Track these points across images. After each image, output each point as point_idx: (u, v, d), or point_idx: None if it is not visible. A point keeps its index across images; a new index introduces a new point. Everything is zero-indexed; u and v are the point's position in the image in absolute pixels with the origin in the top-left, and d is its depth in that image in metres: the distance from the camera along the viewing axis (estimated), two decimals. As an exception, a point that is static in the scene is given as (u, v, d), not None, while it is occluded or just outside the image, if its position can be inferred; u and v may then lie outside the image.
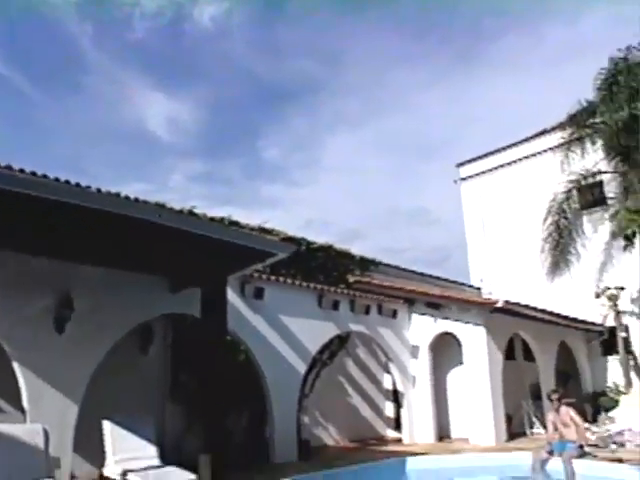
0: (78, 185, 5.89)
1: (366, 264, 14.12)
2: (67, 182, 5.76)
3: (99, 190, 6.33)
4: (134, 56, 34.13)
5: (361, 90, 42.53)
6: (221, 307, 7.70)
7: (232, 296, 9.08)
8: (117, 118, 38.29)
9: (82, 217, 5.61)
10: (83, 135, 37.37)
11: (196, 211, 10.65)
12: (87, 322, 7.22)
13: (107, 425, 6.87)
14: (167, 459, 7.07)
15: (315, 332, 10.77)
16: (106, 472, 6.64)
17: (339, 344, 12.53)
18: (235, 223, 11.23)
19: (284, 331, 10.17)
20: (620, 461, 8.58)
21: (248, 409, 10.63)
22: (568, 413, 9.42)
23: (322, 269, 12.62)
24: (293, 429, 10.09)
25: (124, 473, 6.21)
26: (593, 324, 16.84)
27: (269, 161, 49.11)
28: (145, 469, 6.49)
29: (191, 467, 6.49)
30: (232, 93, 41.48)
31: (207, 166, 49.85)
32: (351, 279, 12.91)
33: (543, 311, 13.34)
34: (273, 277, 10.32)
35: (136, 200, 7.16)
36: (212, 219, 10.56)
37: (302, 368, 10.44)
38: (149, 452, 6.97)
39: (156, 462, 6.87)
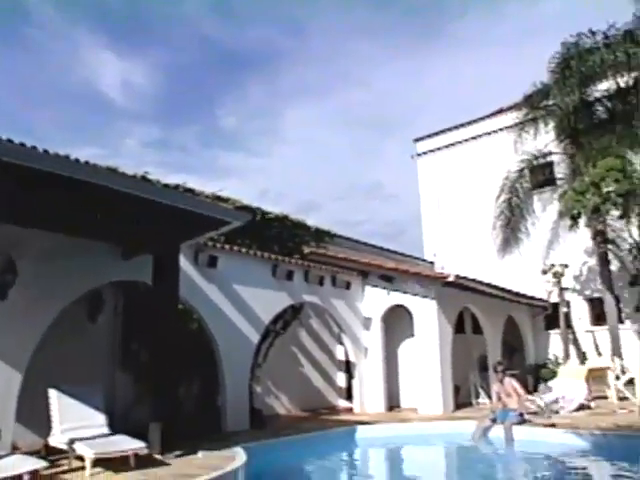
0: (23, 145, 5.58)
1: (321, 236, 14.13)
2: (10, 141, 5.45)
3: (46, 151, 6.03)
4: (84, 12, 32.55)
5: (322, 61, 42.16)
6: (173, 275, 7.59)
7: (185, 264, 8.94)
8: (66, 77, 36.72)
9: (27, 179, 5.36)
10: (29, 93, 35.64)
11: (150, 177, 10.34)
12: (32, 288, 6.97)
13: (53, 394, 6.70)
14: (117, 428, 6.98)
15: (269, 302, 10.76)
16: (52, 442, 6.51)
17: (292, 314, 12.57)
18: (190, 190, 10.99)
19: (237, 300, 10.11)
20: (553, 426, 9.04)
21: (200, 378, 10.59)
22: (511, 384, 9.85)
23: (277, 239, 12.56)
24: (245, 398, 10.12)
25: (71, 442, 6.09)
26: (538, 300, 17.48)
27: (226, 129, 48.25)
28: (93, 438, 6.39)
29: (141, 436, 6.43)
30: (189, 58, 40.38)
31: (162, 132, 48.59)
32: (306, 250, 12.90)
33: (492, 286, 13.73)
34: (227, 246, 10.19)
35: (86, 163, 6.87)
36: (166, 186, 10.29)
37: (255, 338, 10.43)
38: (97, 421, 6.85)
39: (105, 431, 6.77)
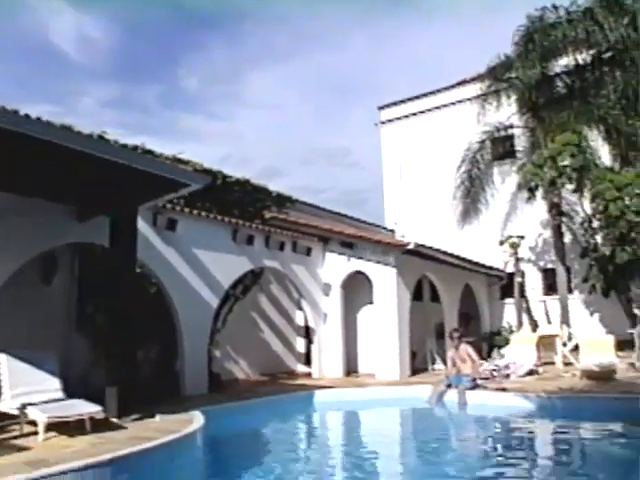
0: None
1: (283, 201, 14.02)
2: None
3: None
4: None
5: (288, 24, 41.24)
6: (131, 237, 7.41)
7: (143, 227, 8.74)
8: (17, 28, 34.73)
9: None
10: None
11: (107, 137, 9.96)
12: (-19, 248, 6.68)
13: (3, 358, 6.49)
14: (73, 392, 6.84)
15: (229, 266, 10.67)
16: (2, 407, 6.33)
17: (253, 279, 12.54)
18: (149, 152, 10.66)
19: (197, 264, 9.98)
20: (504, 390, 9.38)
21: (159, 342, 10.49)
22: (466, 350, 10.13)
23: (238, 204, 12.39)
24: (204, 362, 10.10)
25: (23, 407, 5.94)
26: (495, 269, 17.92)
27: (188, 91, 46.93)
28: (47, 402, 6.25)
29: (98, 400, 6.33)
30: (151, 15, 38.78)
31: (121, 91, 46.91)
32: (267, 215, 12.80)
33: (451, 255, 13.97)
34: (187, 209, 10.01)
35: (37, 120, 6.54)
36: (124, 146, 9.95)
37: (214, 302, 10.36)
38: (51, 385, 6.69)
39: (59, 395, 6.63)
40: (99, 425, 5.99)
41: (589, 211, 17.16)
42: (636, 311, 16.65)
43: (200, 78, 48.55)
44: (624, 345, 12.96)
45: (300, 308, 14.03)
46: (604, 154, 16.94)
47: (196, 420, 6.40)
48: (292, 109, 50.37)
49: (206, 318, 10.23)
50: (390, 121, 23.59)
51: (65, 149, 5.47)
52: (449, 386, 9.60)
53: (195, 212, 10.17)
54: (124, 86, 47.03)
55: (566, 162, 15.38)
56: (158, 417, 6.71)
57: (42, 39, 36.92)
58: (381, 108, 24.07)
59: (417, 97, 23.04)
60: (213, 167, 12.28)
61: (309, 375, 12.98)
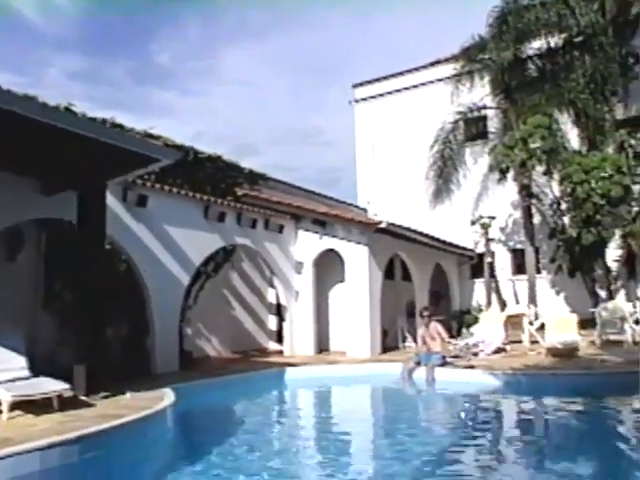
0: None
1: (255, 178, 13.88)
2: None
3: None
4: None
5: (264, 0, 40.30)
6: (100, 213, 7.26)
7: (113, 202, 8.58)
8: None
9: None
10: None
11: (74, 109, 9.64)
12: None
13: (-35, 335, 6.35)
14: (40, 370, 6.72)
15: (200, 243, 10.57)
16: (-35, 385, 6.19)
17: (224, 257, 12.46)
18: (118, 126, 10.37)
19: (168, 241, 9.86)
20: (472, 368, 9.58)
21: (129, 319, 10.37)
22: (436, 328, 10.28)
23: (210, 180, 12.21)
24: (175, 340, 10.05)
25: (-13, 385, 5.82)
26: (466, 249, 18.15)
27: (160, 66, 45.76)
28: (12, 380, 6.14)
29: (66, 378, 6.24)
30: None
31: (90, 63, 45.44)
32: (239, 192, 12.66)
33: (423, 235, 14.09)
34: (158, 185, 9.83)
35: (-1, 88, 6.30)
36: (92, 119, 9.67)
37: (185, 279, 10.28)
38: (17, 363, 6.56)
39: (25, 373, 6.51)
40: (67, 403, 5.91)
41: (558, 193, 17.48)
42: (598, 291, 17.16)
43: (173, 53, 47.44)
44: (587, 324, 13.34)
45: (272, 286, 14.02)
46: (573, 137, 17.22)
47: (167, 397, 6.38)
48: (267, 87, 49.69)
49: (177, 295, 10.14)
50: (364, 99, 23.48)
51: (29, 120, 5.28)
52: (418, 363, 9.76)
53: (166, 188, 10.00)
54: (93, 58, 45.58)
55: (537, 144, 15.60)
56: (128, 394, 6.66)
57: (1, 2, 35.26)
58: (355, 86, 23.90)
59: (391, 76, 22.94)
60: (185, 143, 12.05)
61: (281, 353, 13.03)
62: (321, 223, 12.86)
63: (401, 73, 22.66)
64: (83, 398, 6.34)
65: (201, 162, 12.29)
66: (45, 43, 41.54)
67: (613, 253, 17.25)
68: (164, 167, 8.11)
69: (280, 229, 12.61)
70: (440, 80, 19.52)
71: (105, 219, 7.36)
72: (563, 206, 17.26)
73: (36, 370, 6.65)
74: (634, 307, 13.89)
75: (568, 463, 5.21)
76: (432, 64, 21.43)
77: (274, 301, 14.62)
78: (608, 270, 17.14)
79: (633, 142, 15.75)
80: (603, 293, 16.88)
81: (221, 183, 12.57)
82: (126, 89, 45.70)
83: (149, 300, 9.59)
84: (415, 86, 22.06)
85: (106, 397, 6.50)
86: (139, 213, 9.29)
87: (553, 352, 10.56)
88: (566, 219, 17.24)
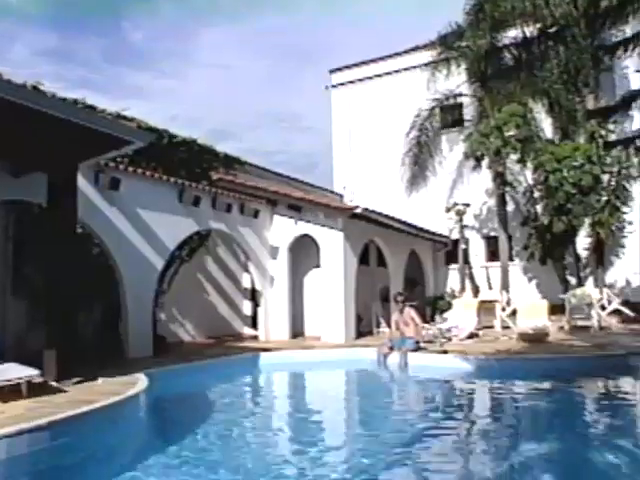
0: None
1: (230, 162, 13.74)
2: None
3: None
4: None
5: (239, -21, 39.64)
6: (70, 196, 7.09)
7: (84, 185, 8.42)
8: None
9: None
10: None
11: (43, 89, 9.38)
12: None
13: None
14: (9, 356, 6.60)
15: (174, 228, 10.45)
16: None
17: (199, 241, 12.36)
18: (90, 107, 10.14)
19: (141, 225, 9.72)
20: (445, 352, 9.72)
21: (102, 304, 10.24)
22: (410, 314, 10.38)
23: (184, 164, 12.04)
24: (149, 325, 9.95)
25: (-47, 370, 5.69)
26: (440, 236, 18.32)
27: (134, 46, 44.75)
28: (-21, 366, 6.01)
29: (37, 364, 6.13)
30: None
31: (60, 41, 44.14)
32: (214, 176, 12.53)
33: (398, 220, 14.16)
34: (131, 168, 9.67)
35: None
36: (62, 99, 9.42)
37: (159, 264, 10.16)
38: (-16, 349, 6.44)
39: (-7, 359, 6.39)
40: (37, 389, 5.81)
41: (531, 181, 17.74)
42: (569, 278, 17.53)
43: (147, 32, 46.40)
44: (557, 309, 13.64)
45: (247, 271, 13.97)
46: (547, 127, 17.47)
47: (140, 382, 6.32)
48: (244, 71, 49.04)
49: (151, 280, 10.03)
50: (341, 85, 23.39)
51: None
52: (392, 348, 9.85)
53: (139, 171, 9.84)
54: (63, 36, 44.26)
55: (511, 132, 15.76)
56: (100, 380, 6.59)
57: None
58: (332, 71, 23.78)
59: (368, 62, 22.88)
60: (159, 126, 11.85)
61: (255, 338, 13.03)
62: (296, 208, 12.82)
63: (378, 59, 22.61)
64: (54, 384, 6.25)
65: (175, 145, 12.12)
66: (9, 15, 39.95)
67: (583, 241, 17.63)
68: (137, 150, 7.97)
69: (255, 214, 12.54)
70: (417, 67, 19.54)
71: (76, 202, 7.20)
72: (536, 194, 17.53)
73: (6, 356, 6.53)
74: (601, 293, 14.26)
75: (537, 443, 5.35)
76: (409, 51, 21.41)
77: (249, 286, 14.58)
78: (578, 258, 17.52)
79: (603, 132, 16.05)
80: (573, 280, 17.26)
81: (196, 167, 12.41)
82: (98, 69, 44.61)
83: (122, 284, 9.47)
84: (392, 72, 22.04)
85: (78, 383, 6.42)
86: (112, 196, 9.13)
87: (524, 337, 10.77)
88: (539, 207, 17.54)
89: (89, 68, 43.54)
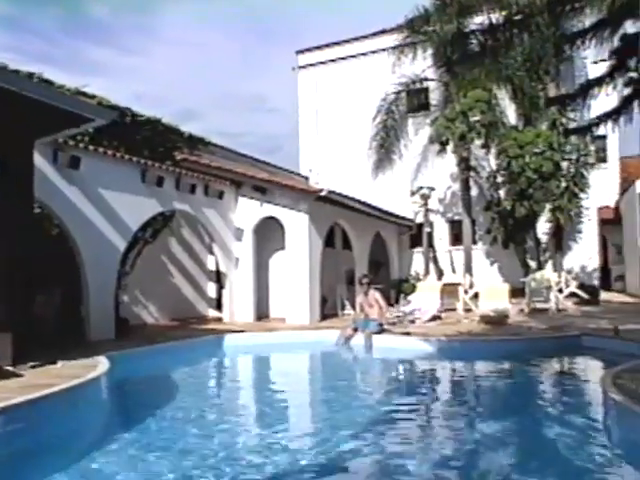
0: None
1: (195, 143, 13.50)
2: None
3: None
4: None
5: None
6: (26, 174, 6.86)
7: (42, 163, 8.16)
8: None
9: None
10: None
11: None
12: None
13: None
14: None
15: (137, 208, 10.23)
16: None
17: (163, 222, 12.14)
18: (46, 81, 9.75)
19: (103, 205, 9.48)
20: (408, 334, 9.86)
21: (62, 286, 9.98)
22: (374, 296, 10.47)
23: (148, 144, 11.76)
24: (111, 307, 9.77)
25: None
26: (405, 219, 18.50)
27: (96, 19, 43.20)
28: None
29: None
30: None
31: (13, 8, 42.09)
32: (178, 157, 12.29)
33: (363, 203, 14.22)
34: (92, 147, 9.39)
35: None
36: (15, 72, 9.02)
37: (122, 245, 9.96)
38: None
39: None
40: (-8, 373, 5.65)
41: (494, 167, 18.02)
42: (529, 262, 17.98)
43: (110, 6, 44.85)
44: (518, 293, 14.00)
45: (212, 252, 13.85)
46: (510, 113, 17.72)
47: (101, 365, 6.21)
48: (211, 50, 48.06)
49: (113, 261, 9.83)
50: (308, 66, 23.20)
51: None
52: (356, 330, 9.94)
53: (101, 150, 9.57)
54: (17, 3, 42.25)
55: (476, 118, 15.96)
56: (60, 363, 6.44)
57: None
58: (299, 52, 23.54)
59: (336, 44, 22.73)
60: (123, 104, 11.52)
61: (220, 320, 12.97)
62: (262, 190, 12.73)
63: (345, 41, 22.48)
64: (9, 368, 6.08)
65: (139, 124, 11.81)
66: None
67: (543, 226, 18.09)
68: (98, 128, 7.77)
69: (220, 195, 12.39)
70: (384, 50, 19.46)
71: (32, 181, 6.98)
72: (499, 179, 17.85)
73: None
74: (559, 277, 14.68)
75: (496, 420, 5.50)
76: (376, 34, 21.35)
77: (213, 268, 14.47)
78: (538, 242, 17.98)
79: (564, 120, 16.41)
80: (533, 264, 17.72)
81: (160, 147, 12.14)
82: (57, 42, 42.93)
83: (83, 266, 9.25)
84: (359, 55, 21.98)
85: (35, 367, 6.26)
86: (71, 176, 8.87)
87: (485, 319, 11.02)
88: (502, 192, 17.88)
89: (47, 41, 41.84)
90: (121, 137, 10.89)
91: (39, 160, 8.11)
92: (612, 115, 9.19)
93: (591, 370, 8.08)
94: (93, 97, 10.61)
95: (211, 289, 14.73)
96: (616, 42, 8.56)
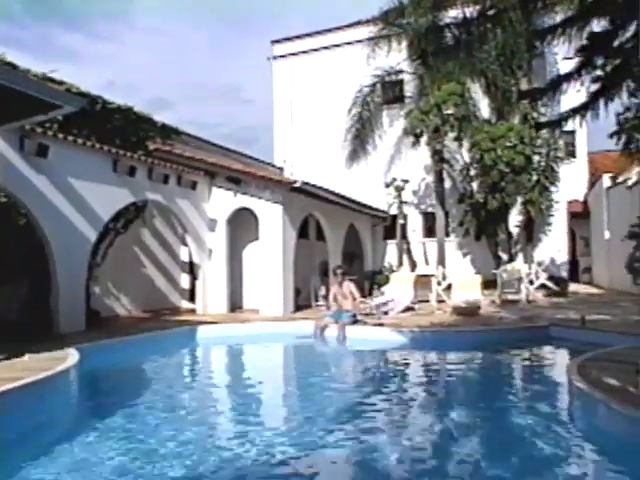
0: None
1: (168, 132, 13.31)
2: None
3: None
4: None
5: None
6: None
7: (7, 151, 7.97)
8: None
9: None
10: None
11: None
12: None
13: None
14: None
15: (108, 198, 10.07)
16: None
17: (135, 213, 11.97)
18: (11, 65, 9.43)
19: (72, 195, 9.29)
20: (382, 325, 9.94)
21: (30, 278, 9.78)
22: (349, 287, 10.52)
23: (120, 133, 11.55)
24: (81, 299, 9.61)
25: None
26: (379, 211, 18.59)
27: (66, 2, 42.07)
28: None
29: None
30: None
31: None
32: (151, 146, 12.11)
33: (337, 195, 14.24)
34: (61, 135, 9.17)
35: None
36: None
37: (93, 236, 9.79)
38: None
39: None
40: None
41: (467, 160, 18.22)
42: (501, 254, 18.26)
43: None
44: (489, 284, 14.22)
45: (185, 243, 13.71)
46: (484, 107, 17.91)
47: (70, 358, 6.11)
48: (185, 38, 47.32)
49: (83, 252, 9.66)
50: (283, 57, 23.05)
51: None
52: (330, 321, 9.98)
53: (70, 138, 9.35)
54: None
55: (450, 111, 16.09)
56: (27, 356, 6.31)
57: None
58: (275, 42, 23.38)
59: (311, 34, 22.63)
60: (92, 91, 11.27)
61: (193, 311, 12.88)
62: (235, 181, 12.64)
63: (321, 32, 22.39)
64: (-25, 361, 5.95)
65: (110, 113, 11.58)
66: None
67: (514, 219, 18.37)
68: (67, 116, 7.61)
69: (193, 185, 12.26)
70: (359, 42, 19.44)
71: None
72: (472, 172, 18.06)
73: None
74: (529, 269, 14.96)
75: (467, 409, 5.62)
76: (352, 25, 21.30)
77: (187, 259, 14.34)
78: (510, 234, 18.26)
79: (535, 115, 16.66)
80: (505, 256, 18.00)
81: (132, 136, 11.94)
82: (23, 25, 41.64)
83: (52, 257, 9.06)
84: (334, 46, 21.92)
85: (2, 360, 6.14)
86: (39, 164, 8.66)
87: (458, 311, 11.16)
88: (474, 185, 18.09)
89: (12, 23, 40.48)
90: (92, 125, 10.68)
91: (4, 147, 7.92)
92: (580, 110, 9.36)
93: (558, 359, 8.26)
94: (61, 83, 10.35)
95: (184, 280, 14.61)
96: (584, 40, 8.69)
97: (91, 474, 3.78)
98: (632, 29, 7.79)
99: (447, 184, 18.50)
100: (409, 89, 19.24)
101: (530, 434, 4.66)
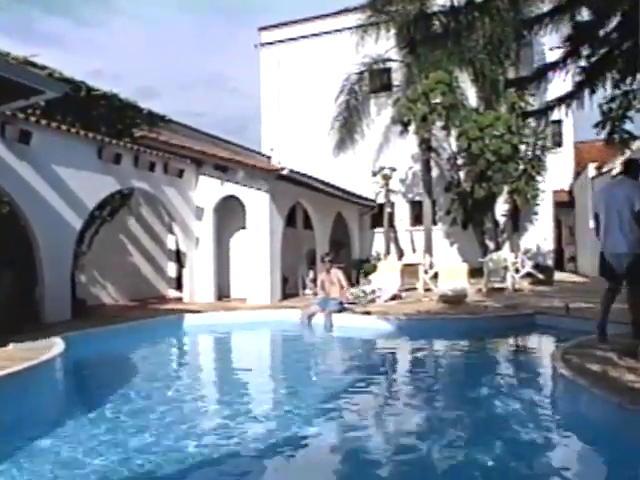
0: None
1: (154, 120, 13.16)
2: None
3: None
4: None
5: None
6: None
7: (-11, 137, 7.81)
8: None
9: None
10: None
11: None
12: None
13: None
14: None
15: (93, 186, 9.96)
16: None
17: (121, 201, 11.85)
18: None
19: (57, 183, 9.18)
20: (368, 313, 9.98)
21: (13, 267, 9.66)
22: (336, 275, 10.55)
23: (105, 120, 11.40)
24: (67, 288, 9.53)
25: None
26: (367, 199, 18.61)
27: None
28: None
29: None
30: None
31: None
32: (137, 134, 11.99)
33: (325, 183, 14.22)
34: (44, 121, 9.03)
35: None
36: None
37: (78, 224, 9.69)
38: None
39: None
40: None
41: (455, 148, 18.25)
42: (487, 242, 18.38)
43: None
44: (476, 273, 14.31)
45: (171, 232, 13.64)
46: (471, 96, 17.92)
47: (56, 347, 6.06)
48: (173, 26, 46.66)
49: (68, 241, 9.57)
50: (270, 44, 22.87)
51: None
52: (317, 309, 10.00)
53: (54, 125, 9.22)
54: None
55: (438, 99, 16.08)
56: (11, 345, 6.26)
57: None
58: (262, 29, 23.17)
59: (298, 21, 22.45)
60: (76, 77, 11.08)
61: (180, 300, 12.84)
62: (223, 169, 12.56)
63: (308, 19, 22.22)
64: (-42, 350, 5.89)
65: (95, 99, 11.42)
66: None
67: (501, 208, 18.48)
68: (51, 102, 7.49)
69: (180, 173, 12.17)
70: (347, 29, 19.35)
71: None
72: (459, 161, 18.11)
73: None
74: (516, 258, 15.09)
75: (453, 396, 5.68)
76: (340, 12, 21.15)
77: (173, 247, 14.27)
78: (496, 223, 18.38)
79: (522, 104, 16.71)
80: (491, 244, 18.13)
81: (117, 123, 11.79)
82: (3, 9, 40.82)
83: (36, 246, 8.97)
84: (322, 34, 21.77)
85: (-15, 349, 6.08)
86: (22, 151, 8.53)
87: (444, 299, 11.23)
88: (462, 174, 18.15)
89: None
90: (76, 112, 10.54)
91: (-15, 133, 7.79)
92: (565, 100, 9.39)
93: (543, 347, 8.36)
94: (44, 68, 10.15)
95: (171, 269, 14.54)
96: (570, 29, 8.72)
97: (76, 463, 3.77)
98: (615, 20, 7.84)
99: (434, 173, 18.54)
100: (397, 77, 19.20)
101: (514, 420, 4.72)
